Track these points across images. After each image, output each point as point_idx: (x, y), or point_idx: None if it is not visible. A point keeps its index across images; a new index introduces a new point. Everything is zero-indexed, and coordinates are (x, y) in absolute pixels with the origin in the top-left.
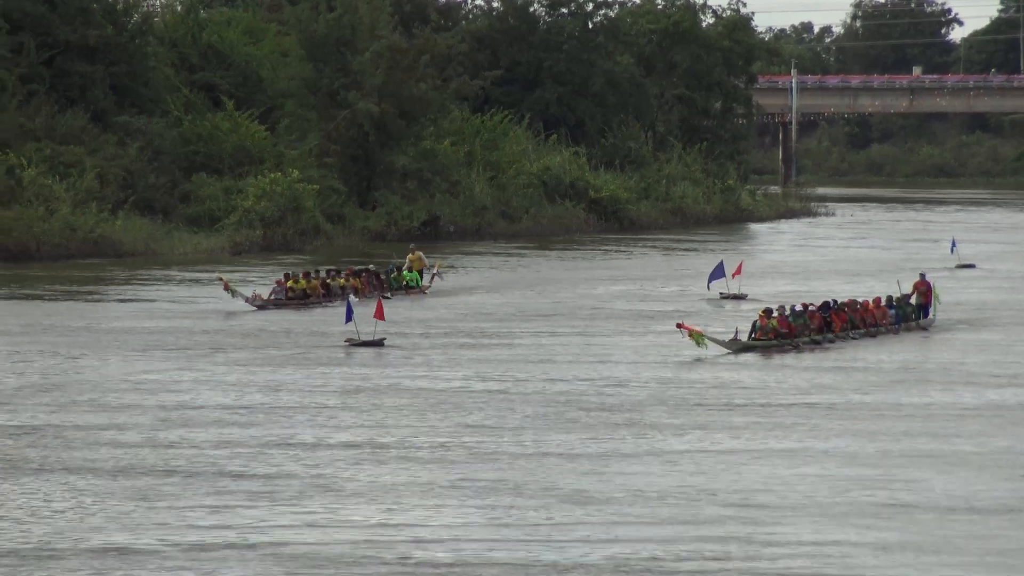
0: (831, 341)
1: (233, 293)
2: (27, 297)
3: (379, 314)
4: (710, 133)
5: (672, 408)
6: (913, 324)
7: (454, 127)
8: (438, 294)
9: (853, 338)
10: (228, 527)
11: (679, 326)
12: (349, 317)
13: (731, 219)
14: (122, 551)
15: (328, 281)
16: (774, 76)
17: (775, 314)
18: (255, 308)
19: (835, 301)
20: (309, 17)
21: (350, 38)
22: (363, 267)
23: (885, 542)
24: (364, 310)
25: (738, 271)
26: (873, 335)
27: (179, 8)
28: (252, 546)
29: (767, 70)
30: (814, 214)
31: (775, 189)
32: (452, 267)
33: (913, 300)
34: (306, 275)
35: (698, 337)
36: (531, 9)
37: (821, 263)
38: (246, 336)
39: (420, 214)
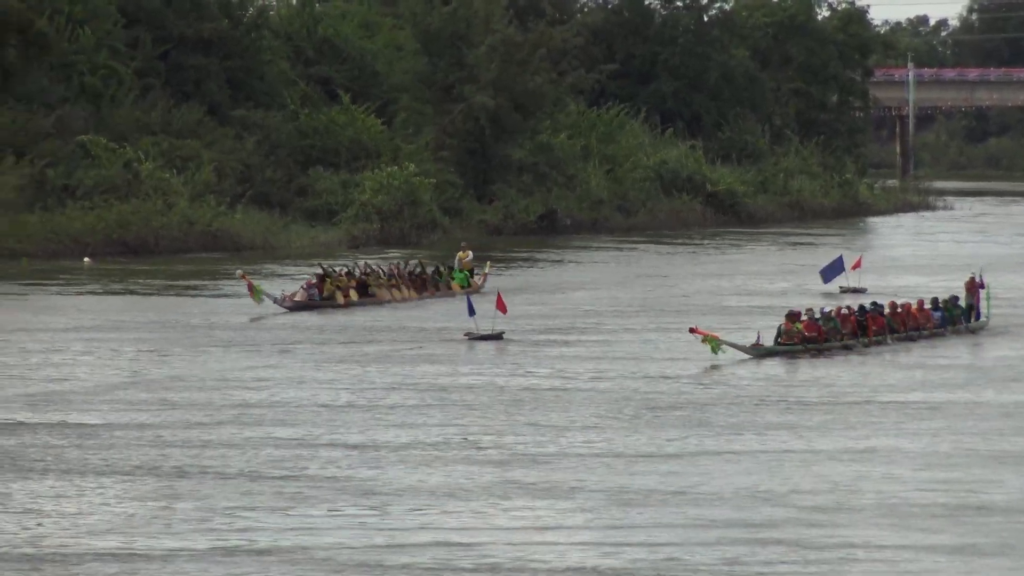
0: (865, 346)
1: (259, 298)
2: (124, 292)
3: (500, 307)
4: (827, 127)
5: (740, 407)
6: (962, 328)
7: (570, 121)
8: (560, 289)
9: (891, 343)
10: (301, 528)
11: (692, 330)
12: (471, 311)
13: (849, 212)
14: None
15: (366, 281)
16: (890, 69)
17: (803, 317)
18: (285, 310)
19: (874, 303)
20: (424, 11)
21: (465, 32)
22: (418, 264)
23: (947, 544)
24: (483, 305)
25: (858, 264)
26: (914, 339)
27: (294, 2)
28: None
29: (883, 63)
30: (932, 208)
31: (893, 183)
32: (499, 268)
33: (963, 301)
34: (347, 274)
35: (713, 342)
36: (646, 2)
37: (940, 257)
38: (344, 331)
39: (536, 208)
